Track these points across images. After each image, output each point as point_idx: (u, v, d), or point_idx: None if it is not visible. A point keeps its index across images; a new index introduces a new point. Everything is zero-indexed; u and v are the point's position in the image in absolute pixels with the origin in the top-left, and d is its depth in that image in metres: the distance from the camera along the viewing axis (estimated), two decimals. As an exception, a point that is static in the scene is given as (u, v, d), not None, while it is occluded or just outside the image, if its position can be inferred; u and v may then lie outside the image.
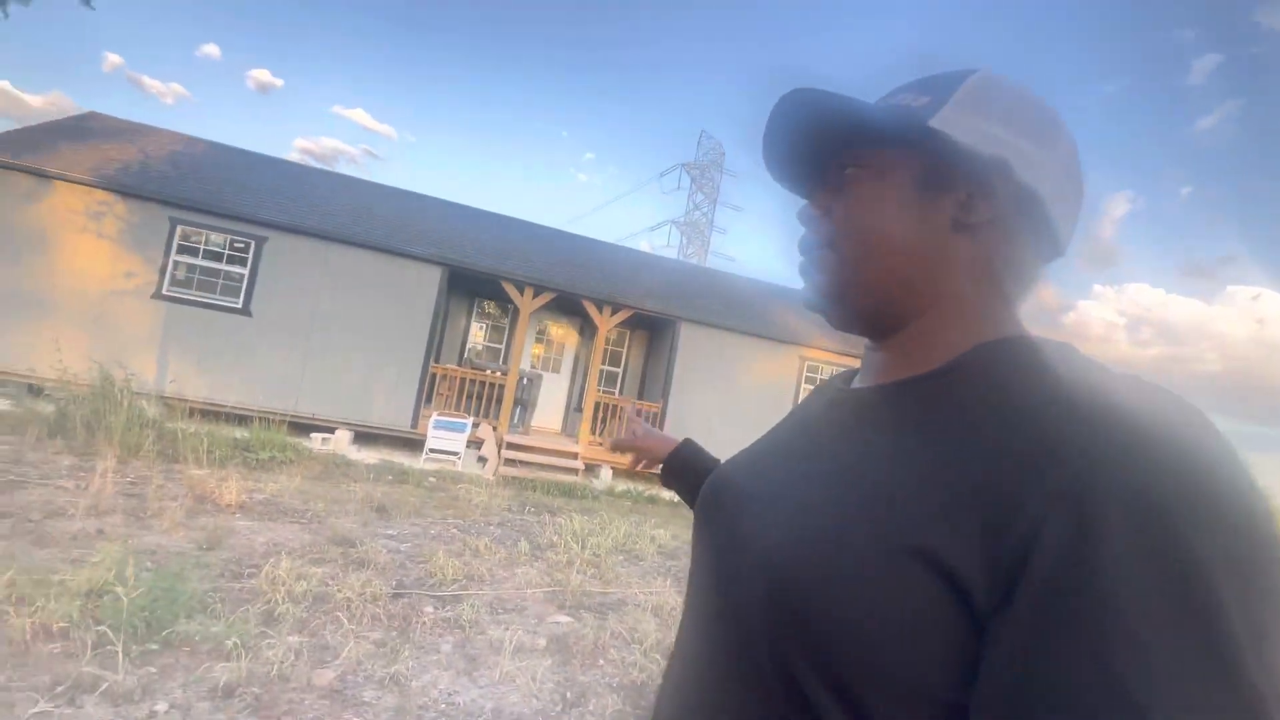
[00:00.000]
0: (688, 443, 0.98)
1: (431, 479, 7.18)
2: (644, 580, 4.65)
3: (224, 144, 11.16)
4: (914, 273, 0.48)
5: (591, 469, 9.47)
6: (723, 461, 0.70)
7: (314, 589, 3.37)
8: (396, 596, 3.55)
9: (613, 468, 9.37)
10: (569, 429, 11.16)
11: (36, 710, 2.12)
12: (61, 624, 2.57)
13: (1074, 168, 0.48)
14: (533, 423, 10.48)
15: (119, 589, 2.71)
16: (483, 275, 9.06)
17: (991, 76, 0.49)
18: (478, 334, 11.45)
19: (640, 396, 11.38)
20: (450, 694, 2.68)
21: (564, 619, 3.69)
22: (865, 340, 0.55)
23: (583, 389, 10.83)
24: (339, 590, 3.39)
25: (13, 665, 2.34)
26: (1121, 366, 0.42)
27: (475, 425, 8.77)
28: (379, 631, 3.10)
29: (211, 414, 7.54)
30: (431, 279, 8.79)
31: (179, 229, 7.98)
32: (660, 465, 1.00)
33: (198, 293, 8.03)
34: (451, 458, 8.26)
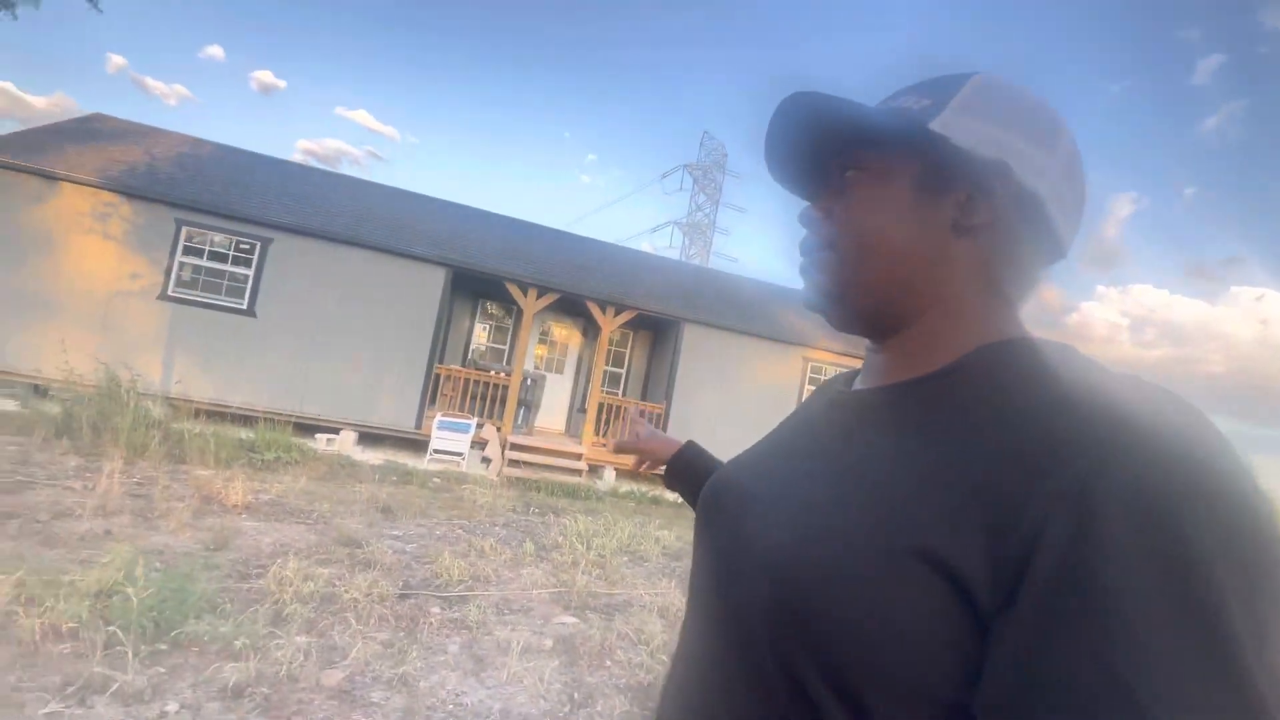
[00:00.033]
0: (690, 445, 0.99)
1: (436, 479, 7.19)
2: (649, 581, 4.65)
3: (229, 145, 11.18)
4: (913, 274, 0.49)
5: (595, 470, 9.47)
6: (724, 463, 0.70)
7: (321, 589, 3.37)
8: (403, 597, 3.56)
9: (616, 469, 9.37)
10: (572, 430, 11.16)
11: (48, 710, 2.12)
12: (71, 624, 2.58)
13: (1075, 170, 0.48)
14: (536, 423, 10.48)
15: (129, 589, 2.72)
16: (486, 276, 9.07)
17: (992, 79, 0.49)
18: (481, 335, 11.46)
19: (644, 397, 11.38)
20: (458, 694, 2.68)
21: (570, 620, 3.69)
22: (866, 342, 0.55)
23: (586, 390, 10.82)
24: (346, 591, 3.40)
25: (23, 666, 2.35)
26: (1125, 368, 0.42)
27: (479, 426, 8.78)
28: (386, 632, 3.10)
29: (217, 415, 7.56)
30: (435, 280, 8.80)
31: (184, 230, 8.00)
32: (663, 466, 1.01)
33: (203, 294, 8.05)
34: (456, 458, 8.27)
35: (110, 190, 7.74)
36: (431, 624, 3.28)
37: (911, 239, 0.48)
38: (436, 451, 8.22)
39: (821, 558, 0.41)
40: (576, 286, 9.42)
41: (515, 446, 8.81)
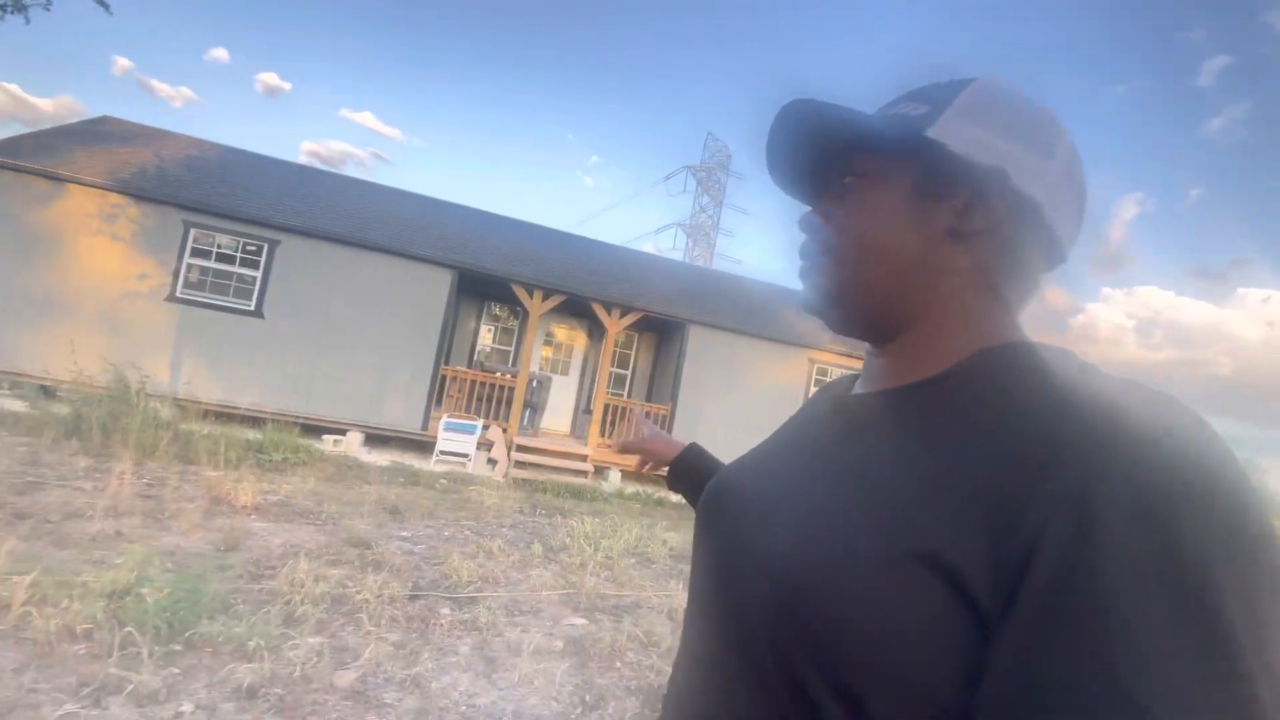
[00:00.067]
0: (693, 446, 1.00)
1: (443, 481, 7.20)
2: (657, 583, 4.65)
3: (236, 147, 11.24)
4: (910, 280, 0.49)
5: (601, 471, 9.47)
6: (726, 465, 0.70)
7: (332, 590, 3.38)
8: (414, 598, 3.56)
9: (622, 470, 9.37)
10: (578, 431, 11.17)
11: (63, 712, 2.13)
12: (85, 625, 2.59)
13: (1075, 175, 0.49)
14: (542, 425, 10.50)
15: (144, 590, 2.73)
16: (493, 278, 9.09)
17: (990, 84, 0.49)
18: (487, 336, 11.48)
19: (649, 399, 11.38)
20: (470, 696, 2.68)
21: (580, 621, 3.69)
22: (866, 346, 0.56)
23: (592, 391, 10.83)
24: (357, 592, 3.41)
25: (38, 666, 2.35)
26: (1131, 370, 0.42)
27: (485, 427, 8.79)
28: (398, 633, 3.11)
29: (225, 416, 7.59)
30: (442, 281, 8.82)
31: (192, 232, 8.04)
32: (666, 467, 1.02)
33: (211, 295, 8.09)
34: (462, 460, 8.28)
35: (119, 192, 7.78)
36: (442, 625, 3.28)
37: (907, 244, 0.49)
38: (443, 453, 8.23)
39: (822, 560, 0.41)
40: (582, 288, 9.43)
41: (521, 448, 8.82)
